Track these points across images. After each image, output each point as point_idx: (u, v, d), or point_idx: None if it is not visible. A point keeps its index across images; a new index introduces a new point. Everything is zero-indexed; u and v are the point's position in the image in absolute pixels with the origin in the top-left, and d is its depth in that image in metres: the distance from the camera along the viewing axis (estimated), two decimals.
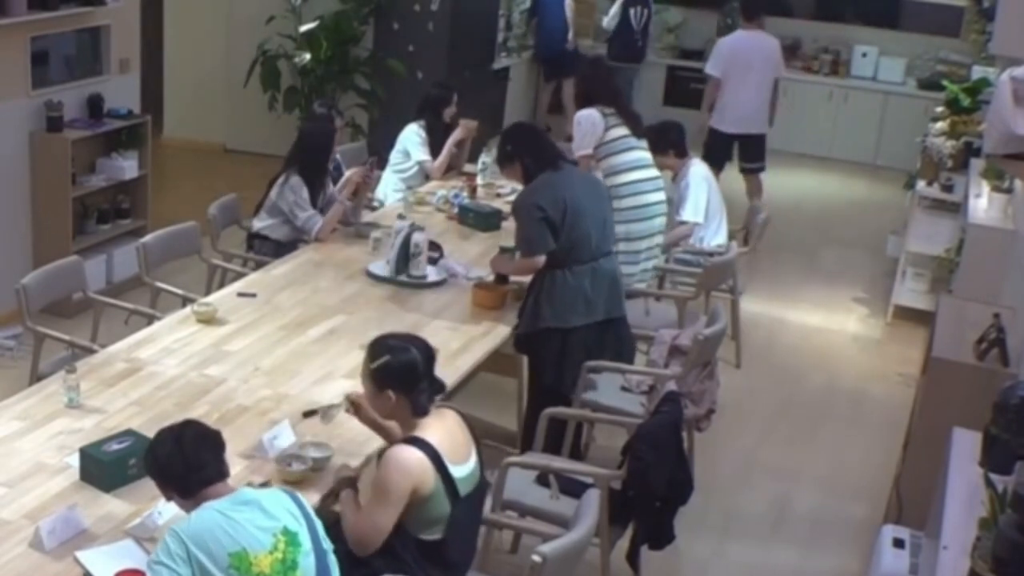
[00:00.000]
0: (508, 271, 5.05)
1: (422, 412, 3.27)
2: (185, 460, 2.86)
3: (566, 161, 4.91)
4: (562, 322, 4.71)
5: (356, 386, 3.60)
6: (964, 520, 3.16)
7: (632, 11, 10.61)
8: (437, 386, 3.34)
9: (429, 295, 5.07)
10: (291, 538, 2.81)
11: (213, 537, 2.72)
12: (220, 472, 2.91)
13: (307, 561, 2.82)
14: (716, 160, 8.05)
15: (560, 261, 4.69)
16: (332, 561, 2.91)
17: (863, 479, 5.47)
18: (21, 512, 3.19)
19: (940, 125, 7.82)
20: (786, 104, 11.20)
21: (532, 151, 4.76)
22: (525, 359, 5.05)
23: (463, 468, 3.29)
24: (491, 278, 5.13)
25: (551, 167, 4.72)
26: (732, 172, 10.16)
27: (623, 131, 5.85)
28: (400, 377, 3.24)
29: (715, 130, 8.49)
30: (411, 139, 6.72)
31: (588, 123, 5.85)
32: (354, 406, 3.54)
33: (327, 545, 2.91)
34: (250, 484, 3.13)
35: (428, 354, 3.33)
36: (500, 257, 5.15)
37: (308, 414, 3.79)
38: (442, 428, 3.28)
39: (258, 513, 2.80)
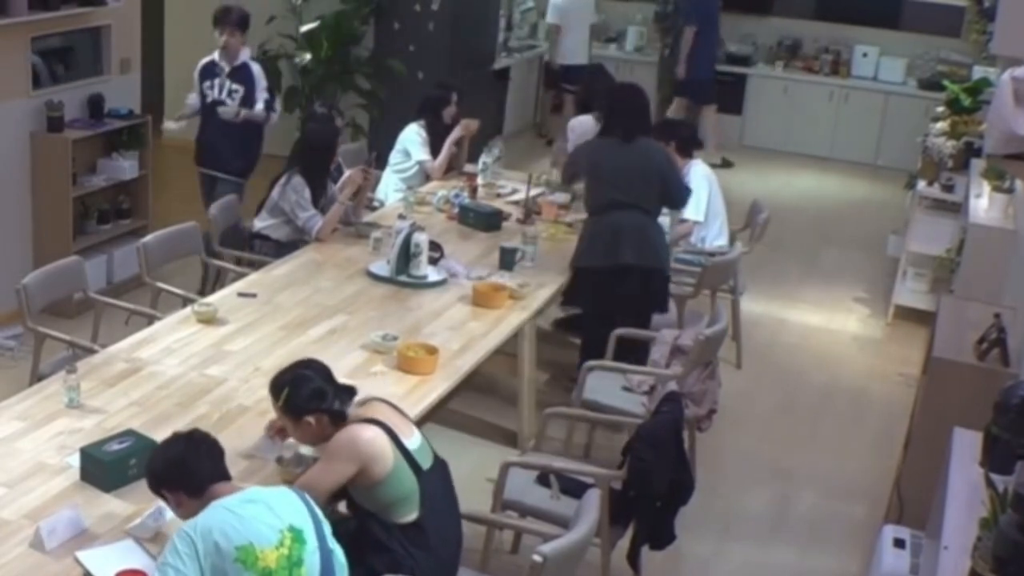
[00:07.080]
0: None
1: (343, 419, 3.34)
2: (196, 454, 2.96)
3: (637, 136, 5.36)
4: (583, 261, 5.39)
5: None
6: (965, 520, 3.16)
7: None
8: (346, 391, 3.40)
9: (429, 295, 5.07)
10: (297, 535, 2.83)
11: (221, 531, 2.75)
12: (226, 472, 3.00)
13: (312, 559, 2.84)
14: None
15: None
16: (338, 561, 2.93)
17: (863, 479, 5.47)
18: (21, 512, 3.20)
19: (941, 125, 7.80)
20: (786, 104, 11.23)
21: (618, 112, 5.41)
22: (524, 358, 5.07)
23: (413, 441, 3.37)
24: (492, 278, 5.18)
25: (616, 135, 5.33)
26: (732, 174, 10.21)
27: None
28: (309, 400, 3.32)
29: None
30: (411, 139, 6.72)
31: (581, 128, 6.16)
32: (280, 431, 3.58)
33: (333, 545, 2.93)
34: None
35: (322, 369, 3.42)
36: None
37: None
38: (379, 412, 3.38)
39: (265, 510, 2.83)
